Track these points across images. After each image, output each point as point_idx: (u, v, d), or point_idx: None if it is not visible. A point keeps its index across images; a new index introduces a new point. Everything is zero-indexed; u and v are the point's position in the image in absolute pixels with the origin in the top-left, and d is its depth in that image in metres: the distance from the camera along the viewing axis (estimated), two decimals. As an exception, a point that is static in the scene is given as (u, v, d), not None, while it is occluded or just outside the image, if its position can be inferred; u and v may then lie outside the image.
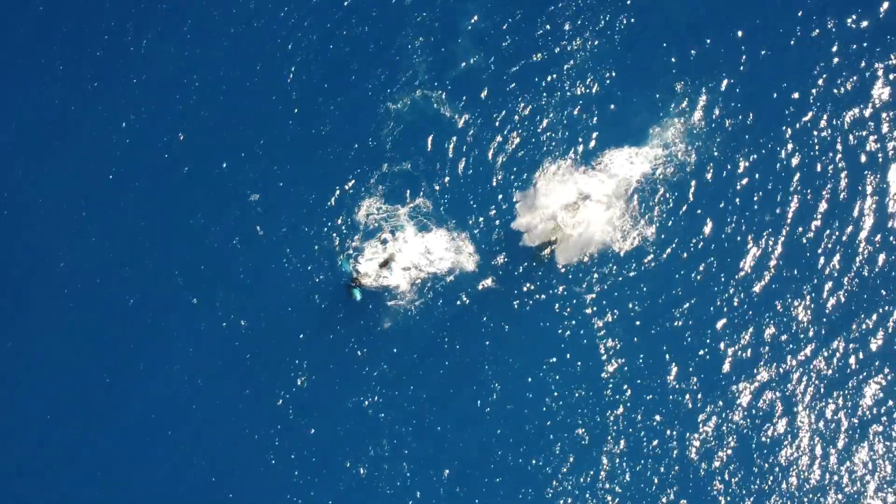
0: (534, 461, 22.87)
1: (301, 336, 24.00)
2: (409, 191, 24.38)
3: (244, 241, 24.59)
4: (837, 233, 23.34)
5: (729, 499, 22.42)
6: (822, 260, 23.26)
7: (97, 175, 25.37)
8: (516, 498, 22.78)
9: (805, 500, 22.31)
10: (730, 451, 22.59)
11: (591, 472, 22.73)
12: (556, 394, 23.12)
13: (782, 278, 23.29)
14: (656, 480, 22.58)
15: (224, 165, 25.06)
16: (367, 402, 23.49)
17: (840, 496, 22.25)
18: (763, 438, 22.64)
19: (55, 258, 24.96)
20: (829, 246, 23.28)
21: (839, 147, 23.65)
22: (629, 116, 24.23)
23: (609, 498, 22.59)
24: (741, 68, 24.20)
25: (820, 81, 23.93)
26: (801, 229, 23.44)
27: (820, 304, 23.12)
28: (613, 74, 24.49)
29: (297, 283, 24.18)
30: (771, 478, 22.45)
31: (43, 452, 24.06)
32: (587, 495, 22.62)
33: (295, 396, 23.71)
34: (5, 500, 23.91)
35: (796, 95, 23.93)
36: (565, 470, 22.80)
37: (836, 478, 22.34)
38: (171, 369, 24.14)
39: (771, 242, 23.41)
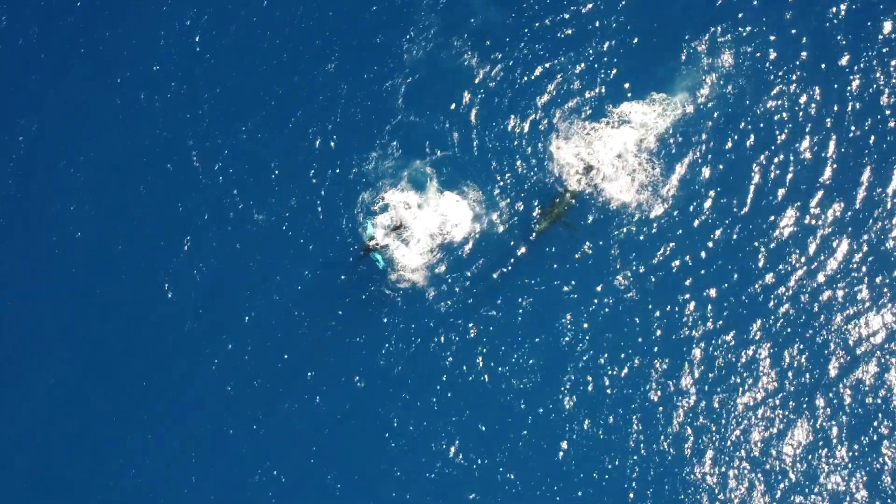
0: (562, 439, 22.17)
1: (308, 304, 23.26)
2: (426, 144, 23.58)
3: (245, 202, 23.94)
4: (880, 186, 22.34)
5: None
6: (859, 219, 22.19)
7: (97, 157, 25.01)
8: (545, 485, 22.03)
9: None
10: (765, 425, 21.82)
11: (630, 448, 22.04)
12: (581, 366, 22.22)
13: (821, 240, 22.28)
14: (691, 455, 21.86)
15: (232, 120, 24.41)
16: (371, 383, 22.87)
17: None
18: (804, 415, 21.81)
19: (61, 255, 24.55)
20: (870, 201, 22.24)
21: (886, 99, 22.68)
22: (654, 65, 23.39)
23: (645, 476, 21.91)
24: (776, 10, 23.28)
25: (865, 25, 22.97)
26: (840, 183, 22.44)
27: (865, 263, 22.03)
28: (636, 21, 23.67)
29: (308, 244, 23.47)
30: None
31: (43, 452, 23.67)
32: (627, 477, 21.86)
33: (299, 375, 23.11)
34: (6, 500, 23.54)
35: (839, 39, 22.98)
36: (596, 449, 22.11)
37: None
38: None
39: (810, 198, 22.40)
